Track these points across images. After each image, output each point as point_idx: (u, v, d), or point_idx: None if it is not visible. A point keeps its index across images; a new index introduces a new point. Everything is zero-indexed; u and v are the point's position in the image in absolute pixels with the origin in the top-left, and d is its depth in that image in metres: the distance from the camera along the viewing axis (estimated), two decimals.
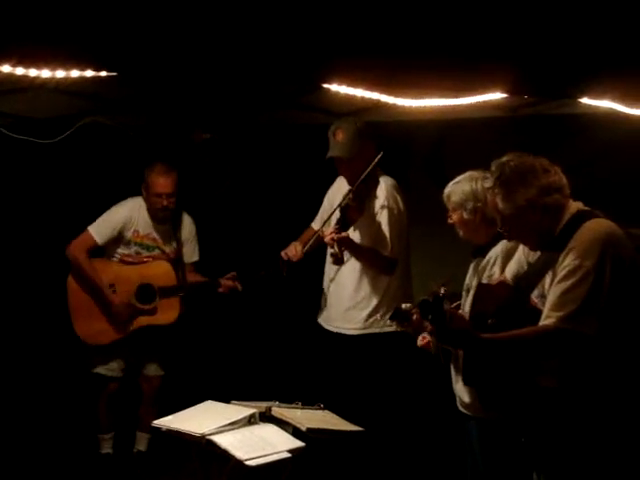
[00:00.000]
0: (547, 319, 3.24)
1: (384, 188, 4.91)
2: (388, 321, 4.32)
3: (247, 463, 3.63)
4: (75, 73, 3.90)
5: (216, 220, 6.09)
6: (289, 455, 3.76)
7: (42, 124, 5.60)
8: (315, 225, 5.22)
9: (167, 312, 5.36)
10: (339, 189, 5.08)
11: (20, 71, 3.78)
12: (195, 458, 3.95)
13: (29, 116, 5.57)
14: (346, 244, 4.80)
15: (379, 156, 4.79)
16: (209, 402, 4.16)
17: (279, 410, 4.04)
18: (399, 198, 4.93)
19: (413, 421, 5.12)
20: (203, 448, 3.81)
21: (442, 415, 4.57)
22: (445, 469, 4.98)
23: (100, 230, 5.31)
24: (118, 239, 5.35)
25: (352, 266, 4.93)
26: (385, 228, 4.85)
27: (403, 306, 3.88)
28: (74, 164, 5.95)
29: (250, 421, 3.95)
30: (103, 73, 3.98)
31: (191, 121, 5.95)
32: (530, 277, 3.50)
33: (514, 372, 3.41)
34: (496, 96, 4.49)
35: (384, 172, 4.98)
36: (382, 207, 4.87)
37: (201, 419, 3.93)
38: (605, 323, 3.20)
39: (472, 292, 3.89)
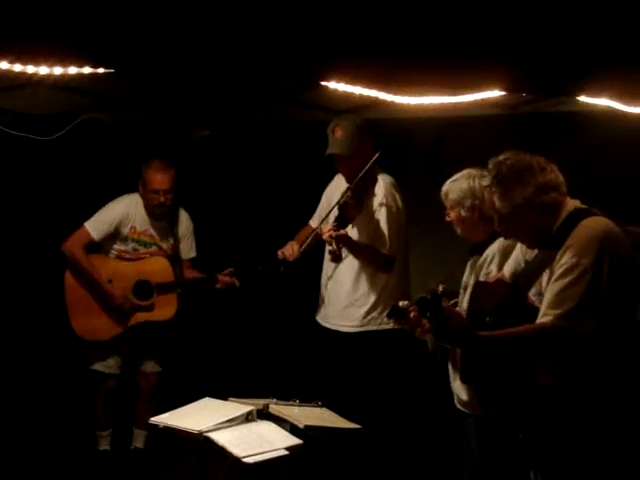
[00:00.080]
0: (544, 317, 3.24)
1: (382, 186, 4.91)
2: (386, 319, 4.32)
3: (244, 460, 3.62)
4: (73, 70, 3.90)
5: (214, 217, 6.10)
6: (287, 452, 3.75)
7: (40, 121, 5.60)
8: (313, 223, 5.22)
9: (165, 308, 5.36)
10: (337, 186, 5.08)
11: (18, 67, 3.78)
12: (192, 455, 3.95)
13: (27, 112, 5.57)
14: (344, 242, 4.80)
15: (378, 154, 4.79)
16: (206, 399, 4.16)
17: (277, 407, 4.03)
18: (397, 196, 4.93)
19: (411, 419, 5.13)
20: (200, 445, 3.81)
21: (440, 413, 4.57)
22: (443, 466, 4.98)
23: (97, 226, 5.31)
24: (115, 235, 5.35)
25: (350, 264, 4.93)
26: (383, 226, 4.85)
27: (400, 304, 3.88)
28: (72, 161, 5.95)
29: (247, 418, 3.95)
30: (101, 70, 3.98)
31: (190, 118, 5.95)
32: (527, 275, 3.50)
33: (512, 370, 3.41)
34: (494, 94, 4.49)
35: (383, 170, 4.98)
36: (380, 205, 4.87)
37: (198, 416, 3.93)
38: (603, 321, 3.20)
39: (469, 290, 3.89)
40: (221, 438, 3.74)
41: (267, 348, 6.10)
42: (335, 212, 4.90)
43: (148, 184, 5.30)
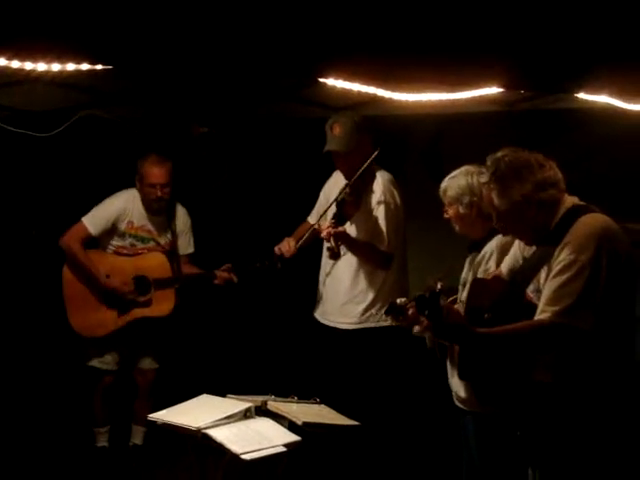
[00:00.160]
0: (542, 313, 3.24)
1: (381, 182, 4.91)
2: (384, 316, 4.32)
3: (243, 457, 3.63)
4: (71, 66, 3.90)
5: (213, 213, 6.09)
6: (285, 449, 3.76)
7: (38, 117, 5.59)
8: (311, 219, 5.22)
9: (162, 304, 5.36)
10: (336, 183, 5.08)
11: (16, 64, 3.77)
12: (191, 452, 3.95)
13: (25, 109, 5.56)
14: (342, 239, 4.80)
15: (376, 151, 4.79)
16: (205, 396, 4.16)
17: (275, 404, 4.04)
18: (396, 193, 4.92)
19: (409, 416, 5.13)
20: (199, 442, 3.81)
21: (438, 410, 4.57)
22: (441, 463, 4.98)
23: (94, 221, 5.31)
24: (112, 230, 5.34)
25: (348, 261, 4.93)
26: (382, 223, 4.85)
27: (398, 301, 3.88)
28: (71, 157, 5.95)
29: (246, 415, 3.95)
30: (99, 66, 3.97)
31: (188, 114, 5.95)
32: (525, 272, 3.50)
33: (510, 367, 3.41)
34: (493, 91, 4.49)
35: (381, 166, 4.98)
36: (379, 202, 4.87)
37: (197, 413, 3.93)
38: (601, 318, 3.20)
39: (468, 287, 3.89)
40: (219, 435, 3.74)
41: (265, 345, 6.10)
42: (333, 209, 4.90)
43: (145, 178, 5.30)
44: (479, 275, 3.90)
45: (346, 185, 4.87)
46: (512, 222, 3.40)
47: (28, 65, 3.80)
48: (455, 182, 3.99)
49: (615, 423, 3.28)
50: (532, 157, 3.37)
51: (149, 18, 3.50)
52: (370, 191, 4.90)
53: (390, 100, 4.76)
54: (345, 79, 4.24)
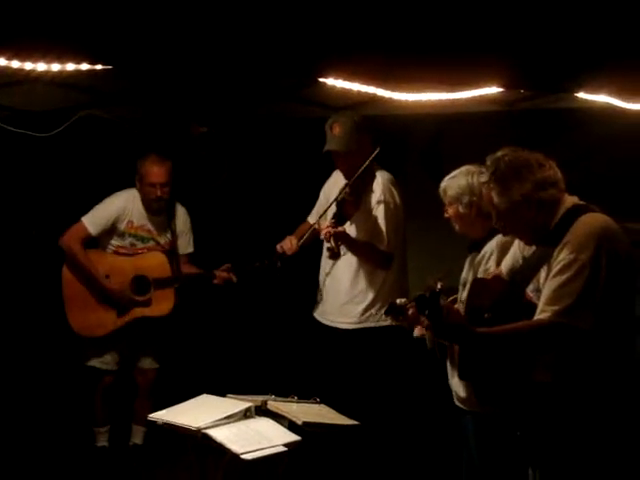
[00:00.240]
0: (542, 313, 3.24)
1: (381, 182, 4.91)
2: (384, 315, 4.32)
3: (243, 457, 3.63)
4: (71, 66, 3.90)
5: (212, 213, 6.09)
6: (285, 449, 3.75)
7: (38, 117, 5.59)
8: (311, 219, 5.22)
9: (162, 303, 5.36)
10: (335, 183, 5.08)
11: (16, 64, 3.77)
12: (191, 452, 3.95)
13: (25, 109, 5.56)
14: (342, 238, 4.79)
15: (376, 151, 4.79)
16: (205, 396, 4.16)
17: (275, 404, 4.04)
18: (395, 192, 4.92)
19: (409, 415, 5.12)
20: (199, 442, 3.81)
21: (438, 409, 4.57)
22: (441, 463, 4.98)
23: (94, 221, 5.31)
24: (112, 230, 5.35)
25: (348, 260, 4.93)
26: (381, 222, 4.84)
27: (398, 301, 3.88)
28: (70, 157, 5.95)
29: (246, 415, 3.95)
30: (99, 66, 3.97)
31: (188, 114, 5.95)
32: (525, 271, 3.50)
33: (510, 366, 3.41)
34: (493, 90, 4.49)
35: (381, 166, 4.98)
36: (378, 201, 4.87)
37: (197, 413, 3.93)
38: (600, 317, 3.20)
39: (468, 286, 3.89)
40: (219, 435, 3.74)
41: (265, 344, 6.09)
42: (333, 209, 4.90)
43: (145, 178, 5.31)
44: (479, 275, 3.90)
45: (346, 185, 4.87)
46: (512, 222, 3.40)
47: (28, 65, 3.80)
48: (455, 182, 3.99)
49: (615, 423, 3.28)
50: (532, 157, 3.37)
51: (148, 18, 3.50)
52: (370, 191, 4.90)
53: (390, 100, 4.77)
54: (345, 79, 4.24)
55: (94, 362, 5.39)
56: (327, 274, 5.06)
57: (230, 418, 3.88)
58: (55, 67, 3.87)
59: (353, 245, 4.87)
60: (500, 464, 3.87)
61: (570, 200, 3.37)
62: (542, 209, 3.32)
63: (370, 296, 4.91)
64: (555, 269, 3.24)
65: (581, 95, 4.43)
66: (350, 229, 4.89)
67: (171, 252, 5.43)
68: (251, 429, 3.83)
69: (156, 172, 5.29)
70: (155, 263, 5.38)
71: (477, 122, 5.53)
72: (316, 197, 5.25)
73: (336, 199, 4.88)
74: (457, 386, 3.99)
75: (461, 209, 3.98)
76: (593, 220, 3.29)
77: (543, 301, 3.26)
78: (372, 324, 4.90)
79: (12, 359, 5.76)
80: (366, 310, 4.91)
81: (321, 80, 4.33)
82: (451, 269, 4.03)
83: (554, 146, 3.92)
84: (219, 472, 3.80)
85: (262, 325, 6.16)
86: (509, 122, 5.47)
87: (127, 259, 5.38)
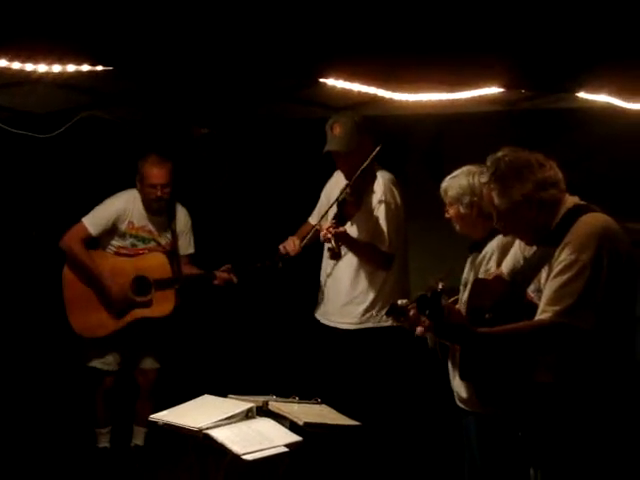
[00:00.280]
0: (543, 313, 3.24)
1: (381, 183, 4.91)
2: (384, 316, 4.31)
3: (244, 457, 3.63)
4: (72, 67, 3.90)
5: (214, 213, 6.10)
6: (286, 449, 3.76)
7: (39, 118, 5.59)
8: (312, 220, 5.22)
9: (162, 304, 5.36)
10: (336, 183, 5.08)
11: (17, 65, 3.77)
12: (192, 452, 3.95)
13: (26, 110, 5.56)
14: (343, 239, 4.79)
15: (377, 150, 4.79)
16: (206, 396, 4.16)
17: (276, 404, 4.04)
18: (396, 193, 4.92)
19: (411, 416, 5.12)
20: (200, 442, 3.81)
21: (440, 410, 4.57)
22: (443, 464, 4.98)
23: (94, 221, 5.32)
24: (112, 231, 5.35)
25: (349, 261, 4.93)
26: (382, 223, 4.84)
27: (399, 302, 3.87)
28: (71, 158, 5.95)
29: (247, 415, 3.95)
30: (100, 67, 3.98)
31: (188, 115, 5.95)
32: (526, 272, 3.50)
33: (511, 367, 3.41)
34: (493, 90, 4.48)
35: (382, 166, 4.98)
36: (379, 202, 4.86)
37: (198, 413, 3.93)
38: (602, 318, 3.20)
39: (469, 287, 3.89)
40: (221, 435, 3.74)
41: (266, 345, 6.10)
42: (334, 209, 4.90)
43: (145, 178, 5.31)
44: (480, 275, 3.90)
45: (347, 185, 4.86)
46: (512, 222, 3.39)
47: (29, 66, 3.81)
48: (456, 182, 3.99)
49: (616, 423, 3.28)
50: (533, 157, 3.37)
51: (149, 19, 3.50)
52: (371, 191, 4.90)
53: (390, 100, 4.76)
54: (345, 79, 4.24)
55: (95, 363, 5.39)
56: (328, 275, 5.06)
57: (231, 419, 3.88)
58: (56, 68, 3.87)
59: (354, 245, 4.87)
60: (502, 464, 3.87)
61: (571, 200, 3.37)
62: (543, 209, 3.32)
63: (371, 297, 4.91)
64: (556, 269, 3.24)
65: (581, 95, 4.43)
66: (351, 229, 4.89)
67: (172, 253, 5.43)
68: (252, 430, 3.83)
69: (157, 173, 5.29)
70: (156, 264, 5.39)
71: (478, 122, 5.53)
72: (317, 198, 5.25)
73: (337, 199, 4.87)
74: (458, 387, 3.99)
75: (462, 209, 3.98)
76: (594, 220, 3.29)
77: (544, 301, 3.26)
78: (373, 325, 4.89)
79: (13, 360, 5.76)
80: (367, 311, 4.91)
81: (321, 80, 4.32)
82: (452, 269, 4.03)
83: (554, 146, 3.92)
84: (220, 473, 3.80)
85: (263, 325, 6.17)
86: (509, 122, 5.47)
87: (128, 260, 5.38)
